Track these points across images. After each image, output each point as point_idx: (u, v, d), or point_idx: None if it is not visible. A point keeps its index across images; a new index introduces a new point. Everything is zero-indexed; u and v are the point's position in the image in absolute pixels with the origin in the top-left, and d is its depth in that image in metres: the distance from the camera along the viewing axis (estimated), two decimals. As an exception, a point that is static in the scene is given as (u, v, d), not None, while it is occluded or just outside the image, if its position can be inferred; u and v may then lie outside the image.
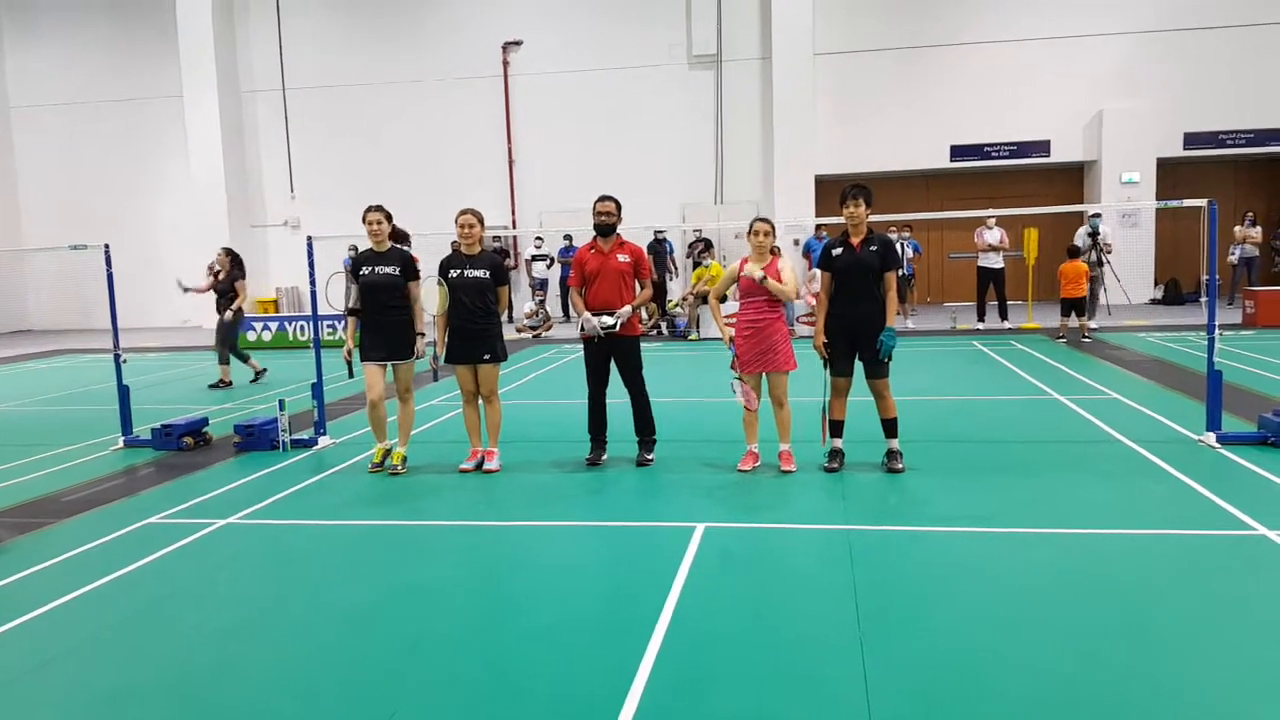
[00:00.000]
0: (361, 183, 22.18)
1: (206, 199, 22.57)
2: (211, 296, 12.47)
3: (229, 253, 12.29)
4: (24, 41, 24.30)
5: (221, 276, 12.16)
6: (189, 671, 3.84)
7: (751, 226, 6.71)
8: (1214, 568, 4.68)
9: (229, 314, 11.99)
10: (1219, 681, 3.47)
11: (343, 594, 4.69)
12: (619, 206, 7.05)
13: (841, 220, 6.66)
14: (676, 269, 19.47)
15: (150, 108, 23.68)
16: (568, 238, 19.91)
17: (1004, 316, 16.40)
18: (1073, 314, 14.26)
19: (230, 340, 12.15)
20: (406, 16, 22.39)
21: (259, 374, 12.55)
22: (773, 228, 6.70)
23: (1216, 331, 7.24)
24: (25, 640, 4.24)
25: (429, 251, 9.02)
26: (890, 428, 6.70)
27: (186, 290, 12.59)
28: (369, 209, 7.16)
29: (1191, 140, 20.06)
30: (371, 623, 4.31)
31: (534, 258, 20.46)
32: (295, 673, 3.82)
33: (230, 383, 12.18)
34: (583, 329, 6.92)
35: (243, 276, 12.16)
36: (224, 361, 12.21)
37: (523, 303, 19.28)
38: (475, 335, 6.92)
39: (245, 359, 12.45)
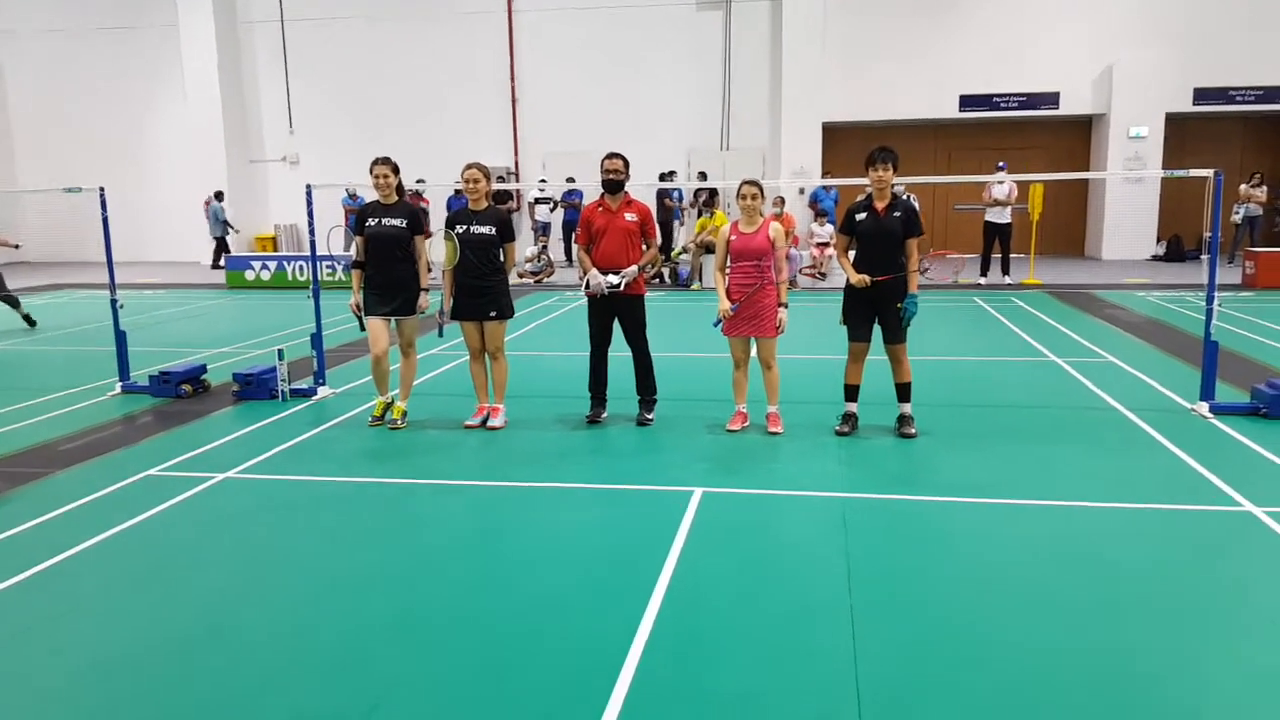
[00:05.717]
0: (361, 118, 21.91)
1: (203, 133, 22.29)
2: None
3: None
4: (13, -36, 23.72)
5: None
6: (181, 638, 3.84)
7: (739, 190, 6.66)
8: (1201, 544, 4.76)
9: None
10: (1201, 659, 3.55)
11: (339, 555, 4.75)
12: (627, 164, 6.99)
13: (848, 180, 6.63)
14: (684, 218, 19.28)
15: (144, 37, 23.21)
16: (571, 180, 19.66)
17: (1005, 272, 16.32)
18: None
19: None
20: (407, -52, 21.85)
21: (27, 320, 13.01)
22: (760, 190, 6.66)
23: (1215, 301, 7.24)
24: (22, 599, 4.27)
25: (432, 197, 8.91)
26: (904, 392, 6.74)
27: None
28: (376, 161, 7.04)
29: (1201, 96, 19.79)
30: (369, 586, 4.36)
31: (537, 200, 20.24)
32: (286, 641, 3.85)
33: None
34: (588, 285, 6.90)
35: None
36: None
37: (524, 246, 19.08)
38: (481, 292, 6.90)
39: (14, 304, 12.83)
